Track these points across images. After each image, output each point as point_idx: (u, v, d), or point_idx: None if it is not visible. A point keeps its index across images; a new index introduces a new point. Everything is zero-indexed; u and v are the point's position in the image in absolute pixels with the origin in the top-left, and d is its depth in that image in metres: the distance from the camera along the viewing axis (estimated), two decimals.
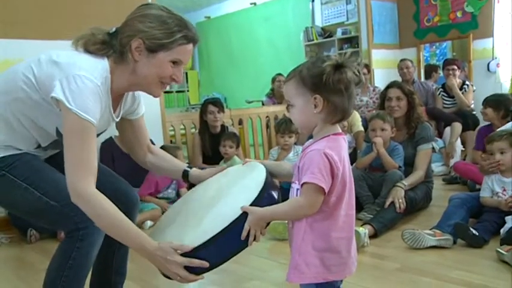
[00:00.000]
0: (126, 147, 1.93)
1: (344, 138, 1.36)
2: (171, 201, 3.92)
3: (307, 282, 1.33)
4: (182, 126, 5.07)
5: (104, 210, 1.46)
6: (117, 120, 1.76)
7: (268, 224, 1.39)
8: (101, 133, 1.75)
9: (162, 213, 3.80)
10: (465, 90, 5.53)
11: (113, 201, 1.49)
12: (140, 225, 3.63)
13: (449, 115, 5.08)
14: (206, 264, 1.38)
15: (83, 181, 1.46)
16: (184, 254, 1.40)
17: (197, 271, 1.40)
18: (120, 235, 1.50)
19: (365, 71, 5.82)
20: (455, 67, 5.49)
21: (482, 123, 4.59)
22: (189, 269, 1.40)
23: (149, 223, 3.68)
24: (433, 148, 3.85)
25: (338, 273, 1.34)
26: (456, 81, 5.49)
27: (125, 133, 1.89)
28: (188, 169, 1.85)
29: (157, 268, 1.50)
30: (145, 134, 1.90)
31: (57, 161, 1.65)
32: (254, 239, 1.35)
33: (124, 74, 1.61)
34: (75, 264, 1.59)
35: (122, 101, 1.75)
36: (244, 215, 1.34)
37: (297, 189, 1.33)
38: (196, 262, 1.38)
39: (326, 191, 1.27)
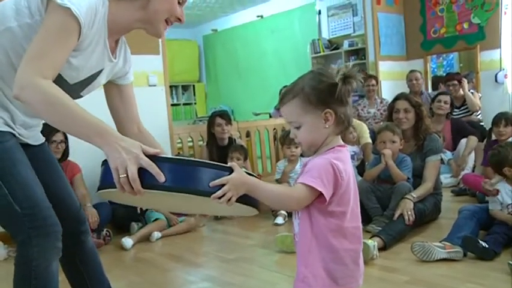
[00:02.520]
0: (116, 119, 1.81)
1: (347, 150, 1.36)
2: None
3: None
4: (190, 139, 5.08)
5: (58, 99, 1.33)
6: (115, 61, 1.67)
7: (245, 202, 1.28)
8: (91, 81, 1.65)
9: (169, 226, 3.81)
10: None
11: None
12: (148, 238, 3.62)
13: (470, 128, 5.05)
14: (162, 178, 1.22)
15: (35, 74, 1.33)
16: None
17: (146, 182, 1.24)
18: (79, 123, 1.33)
19: (373, 82, 5.82)
20: (456, 82, 5.59)
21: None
22: (140, 175, 1.24)
23: (156, 234, 3.66)
24: (442, 159, 3.83)
25: (345, 285, 1.31)
26: (460, 93, 5.60)
27: (113, 101, 1.79)
28: None
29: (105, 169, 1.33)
30: (134, 105, 1.82)
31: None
32: (220, 198, 1.21)
33: (129, 9, 1.55)
34: (39, 285, 1.51)
35: (117, 48, 1.69)
36: (229, 171, 1.24)
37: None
38: (155, 168, 1.23)
39: (326, 197, 1.24)
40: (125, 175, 1.24)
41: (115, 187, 1.26)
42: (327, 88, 1.28)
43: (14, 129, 1.59)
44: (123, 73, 1.76)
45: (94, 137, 1.32)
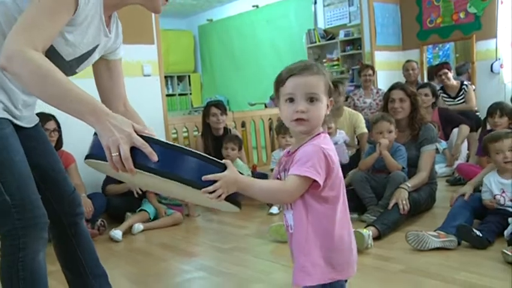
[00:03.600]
0: (103, 97, 1.77)
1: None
2: (176, 204, 3.90)
3: (314, 283, 1.30)
4: (185, 129, 5.07)
5: (50, 72, 1.27)
6: (110, 36, 1.64)
7: (232, 200, 1.28)
8: (87, 57, 1.62)
9: (153, 219, 3.76)
10: (465, 91, 5.54)
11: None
12: (129, 229, 3.61)
13: (459, 117, 5.04)
14: (155, 157, 1.19)
15: (26, 45, 1.27)
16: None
17: (139, 162, 1.21)
18: (71, 98, 1.28)
19: (370, 72, 5.80)
20: (447, 70, 5.56)
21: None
22: (132, 155, 1.22)
23: (137, 227, 3.60)
24: (437, 149, 3.83)
25: (343, 272, 1.33)
26: (452, 82, 5.58)
27: (102, 78, 1.76)
28: None
29: (96, 142, 1.29)
30: (122, 82, 1.79)
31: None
32: (211, 193, 1.20)
33: None
34: (27, 276, 1.50)
35: (111, 23, 1.65)
36: (223, 167, 1.24)
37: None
38: (148, 148, 1.20)
39: (321, 184, 1.25)
40: (117, 153, 1.22)
41: (106, 160, 1.24)
42: (337, 83, 1.34)
43: (13, 113, 1.56)
44: (114, 48, 1.73)
45: (86, 114, 1.27)
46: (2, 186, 1.46)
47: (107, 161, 1.24)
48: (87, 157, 1.34)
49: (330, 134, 4.65)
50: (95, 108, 1.28)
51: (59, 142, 3.74)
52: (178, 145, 1.25)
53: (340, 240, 1.32)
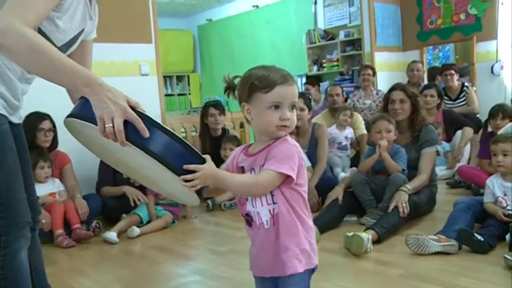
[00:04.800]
0: (68, 92, 1.68)
1: None
2: (172, 205, 3.85)
3: (304, 269, 1.37)
4: (183, 129, 5.03)
5: (43, 46, 1.28)
6: (94, 19, 1.66)
7: (199, 192, 1.32)
8: (74, 41, 1.63)
9: (148, 222, 3.68)
10: (466, 93, 5.51)
11: None
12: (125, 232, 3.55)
13: (464, 119, 5.00)
14: (147, 133, 1.22)
15: (19, 20, 1.27)
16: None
17: (130, 136, 1.23)
18: (66, 71, 1.28)
19: (369, 72, 5.75)
20: (453, 71, 5.51)
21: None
22: (124, 128, 1.23)
23: (135, 230, 3.50)
24: (437, 151, 3.79)
25: (314, 259, 1.40)
26: (455, 84, 5.53)
27: (73, 58, 1.63)
28: None
29: (91, 112, 1.26)
30: (90, 62, 1.78)
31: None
32: (188, 181, 1.24)
33: None
34: (8, 274, 1.50)
35: (91, 5, 1.66)
36: (203, 160, 1.29)
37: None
38: (141, 124, 1.23)
39: (294, 179, 1.33)
40: (111, 125, 1.22)
41: (93, 123, 1.24)
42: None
43: (13, 105, 1.57)
44: (91, 29, 1.73)
45: (81, 86, 1.27)
46: None
47: (95, 124, 1.24)
48: (72, 116, 1.30)
49: (343, 126, 4.73)
50: (90, 80, 1.27)
51: (54, 142, 3.70)
52: (167, 127, 1.27)
53: (310, 228, 1.41)
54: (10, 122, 1.59)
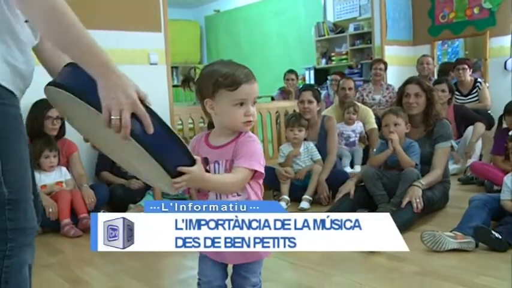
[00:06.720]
0: (44, 57, 1.48)
1: None
2: (180, 199, 3.80)
3: (268, 254, 1.46)
4: (190, 120, 4.96)
5: (68, 10, 1.16)
6: None
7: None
8: None
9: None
10: (479, 88, 5.43)
11: None
12: None
13: (475, 115, 4.92)
14: (151, 130, 1.18)
15: None
16: None
17: (134, 132, 1.18)
18: (85, 43, 1.17)
19: (381, 66, 5.66)
20: (466, 66, 5.43)
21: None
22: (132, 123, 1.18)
23: None
24: (452, 147, 3.72)
25: None
26: (467, 79, 5.45)
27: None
28: None
29: (99, 100, 1.17)
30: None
31: None
32: (177, 181, 1.26)
33: None
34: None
35: None
36: (193, 162, 1.30)
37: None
38: (147, 120, 1.18)
39: (263, 173, 1.43)
40: (118, 117, 1.15)
41: (98, 109, 1.15)
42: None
43: (24, 79, 1.34)
44: None
45: (96, 64, 1.16)
46: (3, 175, 1.20)
47: (99, 110, 1.15)
48: (60, 87, 1.20)
49: (349, 123, 4.67)
50: (107, 61, 1.17)
51: (62, 130, 3.65)
52: (168, 125, 1.25)
53: None
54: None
